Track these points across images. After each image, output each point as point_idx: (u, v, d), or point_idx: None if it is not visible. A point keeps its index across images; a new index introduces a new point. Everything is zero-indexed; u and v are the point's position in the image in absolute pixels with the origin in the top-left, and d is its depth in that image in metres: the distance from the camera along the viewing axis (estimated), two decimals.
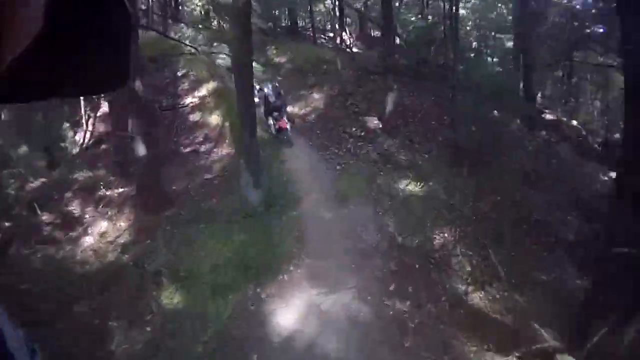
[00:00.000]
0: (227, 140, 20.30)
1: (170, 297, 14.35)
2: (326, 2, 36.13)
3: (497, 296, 14.68)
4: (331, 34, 34.13)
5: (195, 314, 13.50)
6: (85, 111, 22.40)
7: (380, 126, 21.69)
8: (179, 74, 24.18)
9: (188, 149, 20.76)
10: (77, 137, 23.23)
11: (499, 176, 19.66)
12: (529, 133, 24.06)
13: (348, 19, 33.79)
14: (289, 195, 17.59)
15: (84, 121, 22.48)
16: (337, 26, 30.98)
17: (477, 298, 14.56)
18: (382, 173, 19.36)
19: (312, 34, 33.83)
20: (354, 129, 21.47)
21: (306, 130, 21.60)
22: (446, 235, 16.92)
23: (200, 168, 19.79)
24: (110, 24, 0.78)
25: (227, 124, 20.64)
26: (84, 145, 22.72)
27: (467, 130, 20.98)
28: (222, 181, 18.80)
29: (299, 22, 37.11)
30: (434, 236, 16.82)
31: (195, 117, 21.99)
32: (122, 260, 16.52)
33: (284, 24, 35.44)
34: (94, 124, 22.64)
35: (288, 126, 20.00)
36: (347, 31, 32.33)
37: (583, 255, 16.58)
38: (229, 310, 13.49)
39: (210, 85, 22.99)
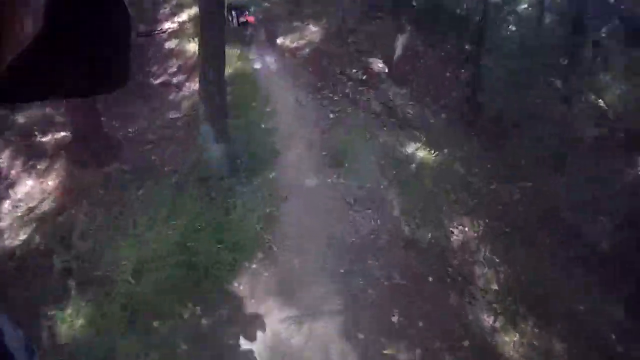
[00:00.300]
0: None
1: (72, 319, 8.78)
2: None
3: (534, 341, 9.83)
4: None
5: (100, 356, 8.14)
6: None
7: (386, 71, 16.54)
8: None
9: (159, 80, 15.80)
10: None
11: (525, 155, 14.89)
12: (565, 108, 17.69)
13: None
14: (265, 151, 12.31)
15: None
16: None
17: (508, 343, 9.64)
18: (385, 129, 14.18)
19: None
20: (354, 71, 16.25)
21: (296, 67, 16.31)
22: (467, 229, 11.72)
23: (168, 104, 14.70)
24: (110, 24, 0.71)
25: None
26: None
27: (490, 93, 16.55)
28: (188, 122, 13.47)
29: None
30: (452, 230, 11.57)
31: (171, 44, 17.08)
32: (34, 241, 10.70)
33: None
34: None
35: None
36: None
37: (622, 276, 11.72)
38: (150, 352, 8.09)
39: (193, 10, 17.33)
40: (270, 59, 16.68)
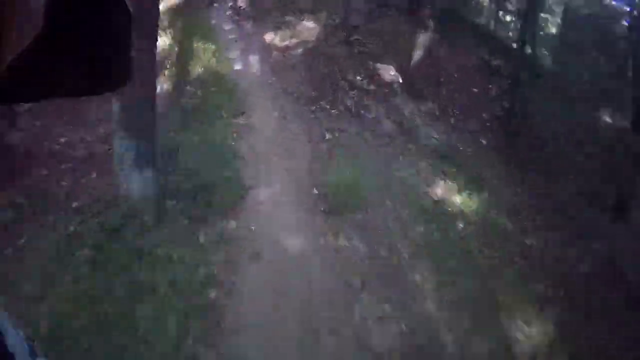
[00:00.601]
0: (165, 73, 11.23)
1: None
2: None
3: None
4: None
5: None
6: None
7: (400, 80, 12.53)
8: None
9: None
10: None
11: (586, 199, 11.13)
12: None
13: None
14: (226, 185, 7.59)
15: None
16: None
17: None
18: (402, 158, 9.83)
19: None
20: (358, 78, 12.20)
21: (286, 71, 12.28)
22: (533, 331, 6.92)
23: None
24: (110, 24, 0.67)
25: (176, 49, 12.24)
26: None
27: (533, 113, 12.93)
28: None
29: None
30: (516, 333, 6.80)
31: None
32: None
33: None
34: None
35: None
36: None
37: None
38: None
39: (170, 1, 14.15)
40: (254, 59, 13.11)
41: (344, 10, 14.52)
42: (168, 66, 11.59)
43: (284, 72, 12.30)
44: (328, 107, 10.93)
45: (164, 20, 12.78)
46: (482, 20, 18.99)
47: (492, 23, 18.78)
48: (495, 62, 15.31)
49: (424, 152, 10.15)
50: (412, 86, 12.38)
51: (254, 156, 8.51)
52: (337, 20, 14.58)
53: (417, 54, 12.78)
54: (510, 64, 14.65)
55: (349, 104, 11.19)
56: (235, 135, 9.16)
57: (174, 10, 13.73)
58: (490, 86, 14.28)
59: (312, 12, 15.01)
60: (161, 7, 13.43)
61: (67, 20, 0.59)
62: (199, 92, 10.54)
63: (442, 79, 13.38)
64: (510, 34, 18.64)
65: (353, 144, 9.58)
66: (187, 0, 14.58)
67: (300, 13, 15.08)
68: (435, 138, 10.84)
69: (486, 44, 16.17)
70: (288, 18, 14.74)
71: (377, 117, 10.94)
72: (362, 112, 11.07)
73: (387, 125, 10.77)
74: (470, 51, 15.47)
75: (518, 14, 18.08)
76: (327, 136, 9.77)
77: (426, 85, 12.67)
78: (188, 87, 10.77)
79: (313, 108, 10.81)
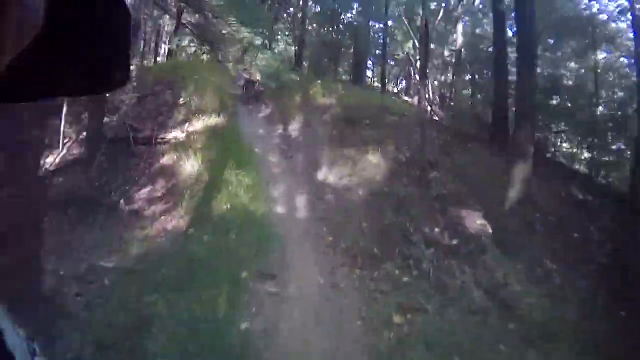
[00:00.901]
0: (183, 205, 10.03)
1: None
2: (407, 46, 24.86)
3: None
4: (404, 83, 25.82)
5: None
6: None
7: (490, 231, 10.20)
8: (181, 101, 14.76)
9: (132, 207, 11.01)
10: None
11: None
12: None
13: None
14: None
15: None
16: (416, 76, 21.83)
17: None
18: (502, 346, 7.19)
19: (380, 80, 23.06)
20: (436, 230, 10.09)
21: (341, 218, 10.29)
22: None
23: (121, 242, 9.35)
24: (110, 24, 0.69)
25: (205, 175, 11.01)
26: None
27: None
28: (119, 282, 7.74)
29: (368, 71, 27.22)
30: None
31: (169, 159, 12.39)
32: None
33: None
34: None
35: None
36: (430, 87, 21.29)
37: None
38: None
39: (211, 120, 13.57)
40: (301, 201, 11.32)
41: (417, 142, 13.13)
42: (188, 197, 10.33)
43: (338, 220, 10.43)
44: (396, 272, 8.68)
45: (197, 142, 12.54)
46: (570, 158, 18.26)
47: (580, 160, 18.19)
48: (595, 202, 13.15)
49: (529, 332, 7.68)
50: (505, 238, 10.06)
51: (278, 350, 6.35)
52: (408, 155, 13.01)
53: (510, 197, 10.91)
54: (616, 205, 12.51)
55: (424, 267, 8.94)
56: (254, 310, 7.14)
57: (212, 132, 12.89)
58: (593, 231, 11.70)
59: (378, 144, 13.28)
60: (199, 126, 13.49)
61: (67, 20, 0.60)
62: (217, 237, 8.73)
63: (539, 227, 10.98)
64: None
65: (433, 328, 7.17)
66: (231, 122, 13.85)
67: (364, 145, 13.35)
68: (541, 310, 8.29)
69: (580, 183, 14.15)
70: (348, 151, 13.13)
71: (463, 284, 8.65)
72: (442, 277, 8.76)
73: (478, 295, 8.42)
74: (565, 191, 13.36)
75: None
76: (396, 319, 7.43)
77: (522, 235, 10.32)
78: (204, 229, 9.00)
79: (375, 274, 8.58)
